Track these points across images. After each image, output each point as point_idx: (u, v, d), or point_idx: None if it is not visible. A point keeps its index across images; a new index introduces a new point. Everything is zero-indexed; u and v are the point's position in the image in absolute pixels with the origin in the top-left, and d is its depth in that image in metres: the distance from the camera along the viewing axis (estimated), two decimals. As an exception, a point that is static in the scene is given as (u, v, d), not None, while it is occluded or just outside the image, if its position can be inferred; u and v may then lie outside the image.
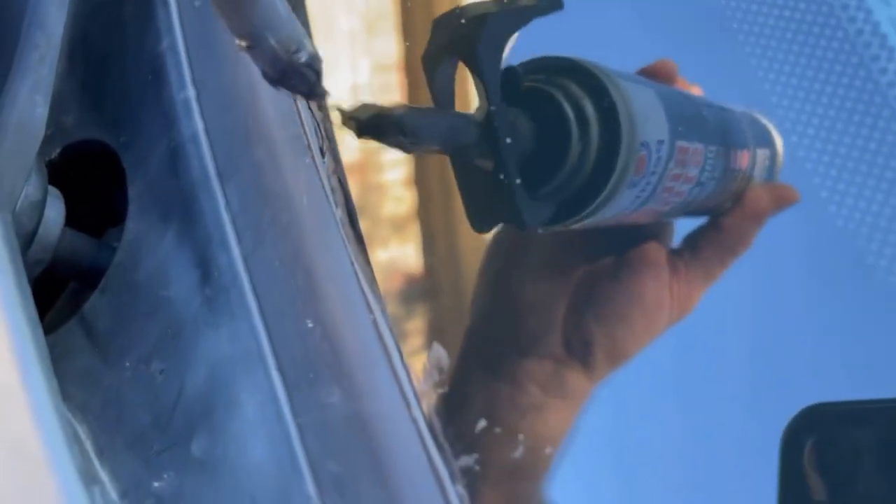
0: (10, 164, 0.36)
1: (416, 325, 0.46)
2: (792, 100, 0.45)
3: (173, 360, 0.34)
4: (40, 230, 0.38)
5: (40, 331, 0.32)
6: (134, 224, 0.39)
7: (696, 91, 0.41)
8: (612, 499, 0.39)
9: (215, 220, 0.35)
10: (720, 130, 0.39)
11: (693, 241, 0.40)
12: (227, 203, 0.35)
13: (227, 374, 0.33)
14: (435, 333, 0.42)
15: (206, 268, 0.35)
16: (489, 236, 0.40)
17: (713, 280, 0.40)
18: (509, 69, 0.33)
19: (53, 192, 0.39)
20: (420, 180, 0.50)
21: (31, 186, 0.37)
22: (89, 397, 0.36)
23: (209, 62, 0.39)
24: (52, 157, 0.42)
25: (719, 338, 0.42)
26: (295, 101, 0.36)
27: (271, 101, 0.37)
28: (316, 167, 0.35)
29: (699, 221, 0.41)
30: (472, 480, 0.29)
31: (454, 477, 0.29)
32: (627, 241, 0.39)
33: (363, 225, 0.34)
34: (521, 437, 0.34)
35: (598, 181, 0.33)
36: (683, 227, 0.41)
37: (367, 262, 0.32)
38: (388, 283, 0.38)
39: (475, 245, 0.43)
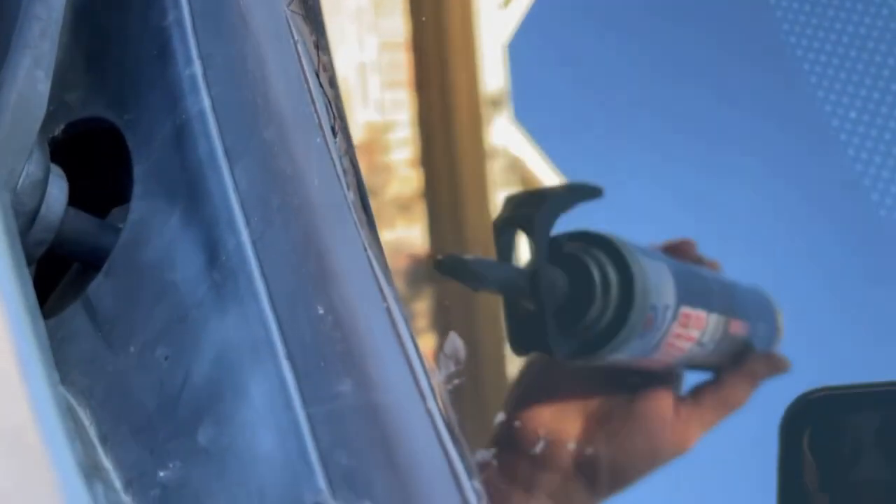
0: (11, 141, 0.35)
1: (423, 306, 0.45)
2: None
3: (179, 346, 0.33)
4: (42, 209, 0.37)
5: (39, 317, 0.31)
6: (139, 204, 0.37)
7: (714, 265, 0.49)
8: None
9: (223, 201, 0.34)
10: (724, 301, 0.47)
11: (697, 392, 0.46)
12: (236, 184, 0.34)
13: (235, 362, 0.32)
14: (441, 314, 0.42)
15: (213, 251, 0.34)
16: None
17: (710, 427, 0.45)
18: (555, 238, 0.44)
19: (56, 170, 0.38)
20: (426, 161, 0.50)
21: (32, 165, 0.36)
22: (93, 383, 0.35)
23: (216, 37, 0.38)
24: (55, 134, 0.41)
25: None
26: (306, 78, 0.35)
27: (281, 78, 0.36)
28: (327, 147, 0.34)
29: (705, 375, 0.47)
30: (489, 476, 0.28)
31: (471, 471, 0.28)
32: (641, 383, 0.46)
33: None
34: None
35: (613, 330, 0.43)
36: (691, 378, 0.47)
37: (380, 248, 0.31)
38: (394, 264, 0.38)
39: (481, 224, 0.47)
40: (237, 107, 0.36)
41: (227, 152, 0.34)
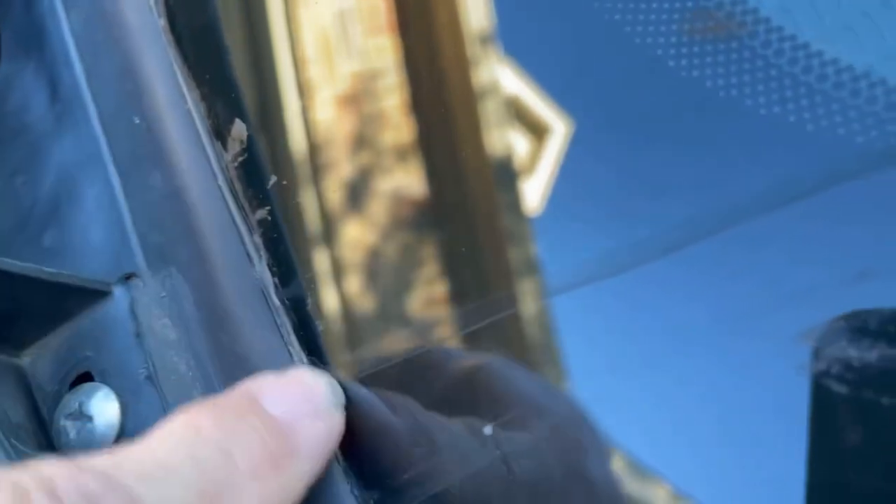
0: None
1: (428, 252, 0.46)
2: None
3: (31, 171, 0.38)
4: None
5: None
6: (4, 67, 0.42)
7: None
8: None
9: (60, 43, 0.38)
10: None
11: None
12: (71, 26, 0.38)
13: (73, 175, 0.37)
14: (445, 258, 0.43)
15: (54, 88, 0.39)
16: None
17: None
18: None
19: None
20: (417, 106, 0.50)
21: None
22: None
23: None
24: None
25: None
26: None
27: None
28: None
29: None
30: (266, 230, 0.32)
31: (252, 229, 0.32)
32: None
33: (365, 157, 0.37)
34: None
35: None
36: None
37: (185, 61, 0.35)
38: (397, 211, 0.39)
39: (479, 166, 0.45)
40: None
41: (63, 2, 0.39)
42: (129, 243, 0.34)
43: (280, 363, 0.31)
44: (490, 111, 0.48)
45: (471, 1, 0.43)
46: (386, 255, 0.37)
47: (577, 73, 0.42)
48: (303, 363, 0.30)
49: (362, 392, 0.30)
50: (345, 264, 0.33)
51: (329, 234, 0.34)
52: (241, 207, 0.32)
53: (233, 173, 0.33)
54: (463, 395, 0.36)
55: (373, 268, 0.36)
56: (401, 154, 0.48)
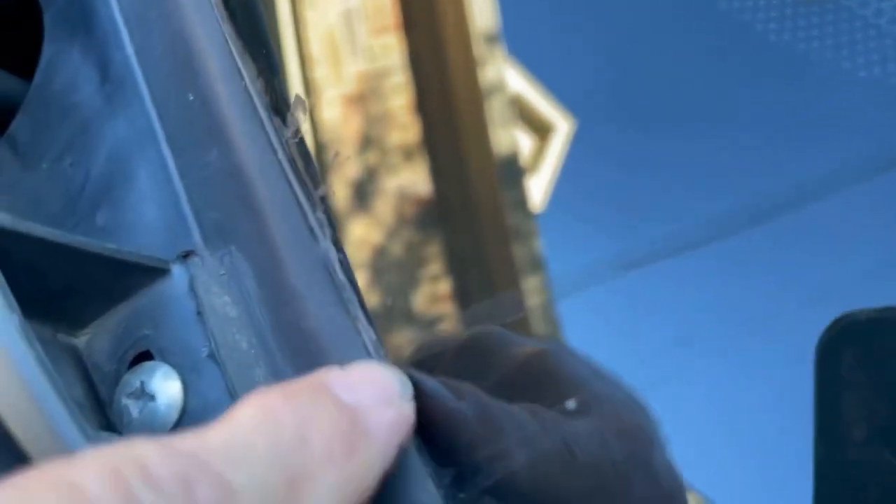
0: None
1: (433, 250, 0.46)
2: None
3: (81, 152, 0.37)
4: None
5: None
6: (48, 49, 0.42)
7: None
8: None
9: (111, 22, 0.38)
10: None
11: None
12: (120, 6, 0.38)
13: (125, 153, 0.36)
14: (451, 256, 0.43)
15: (104, 68, 0.38)
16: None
17: None
18: None
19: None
20: (423, 105, 0.50)
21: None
22: (14, 201, 0.39)
23: None
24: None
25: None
26: None
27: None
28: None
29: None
30: (327, 207, 0.32)
31: (314, 205, 0.32)
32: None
33: (372, 157, 0.37)
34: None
35: None
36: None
37: (237, 35, 0.35)
38: (402, 210, 0.39)
39: (483, 167, 0.44)
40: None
41: (111, -19, 0.38)
42: (185, 221, 0.34)
43: (347, 340, 0.30)
44: (496, 110, 0.48)
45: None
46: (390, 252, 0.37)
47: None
48: (371, 340, 0.30)
49: (430, 382, 0.29)
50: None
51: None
52: (302, 183, 0.32)
53: (293, 149, 0.32)
54: (524, 380, 0.35)
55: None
56: (407, 153, 0.48)
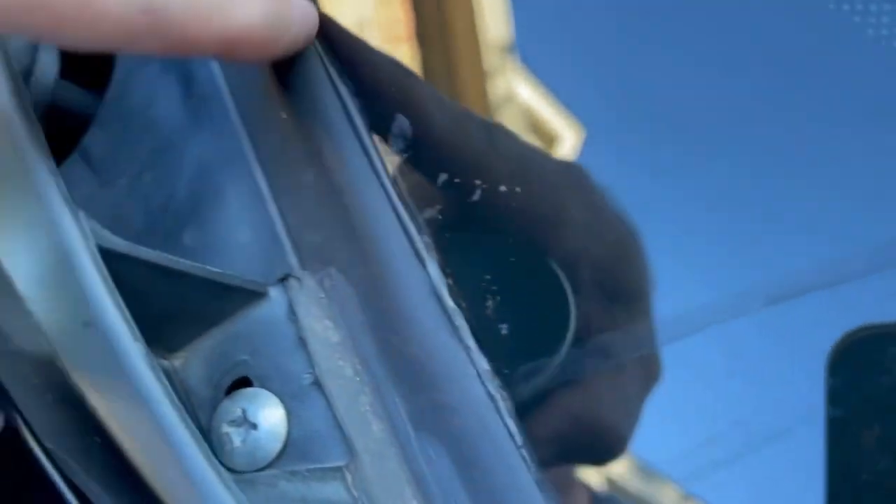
0: None
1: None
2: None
3: (163, 168, 0.36)
4: (36, 71, 0.41)
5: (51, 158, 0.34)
6: (122, 64, 0.41)
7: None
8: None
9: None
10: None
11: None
12: (204, 21, 0.37)
13: (213, 172, 0.35)
14: None
15: (188, 84, 0.37)
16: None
17: None
18: None
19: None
20: None
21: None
22: (93, 217, 0.38)
23: None
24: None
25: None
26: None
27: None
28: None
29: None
30: (435, 230, 0.31)
31: (420, 228, 0.31)
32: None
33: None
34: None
35: None
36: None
37: (332, 49, 0.34)
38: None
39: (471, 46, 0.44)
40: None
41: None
42: (280, 243, 0.33)
43: (458, 369, 0.29)
44: (507, 120, 0.48)
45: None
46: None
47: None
48: (484, 371, 0.29)
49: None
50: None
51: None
52: (407, 206, 0.31)
53: (396, 170, 0.32)
54: None
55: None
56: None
